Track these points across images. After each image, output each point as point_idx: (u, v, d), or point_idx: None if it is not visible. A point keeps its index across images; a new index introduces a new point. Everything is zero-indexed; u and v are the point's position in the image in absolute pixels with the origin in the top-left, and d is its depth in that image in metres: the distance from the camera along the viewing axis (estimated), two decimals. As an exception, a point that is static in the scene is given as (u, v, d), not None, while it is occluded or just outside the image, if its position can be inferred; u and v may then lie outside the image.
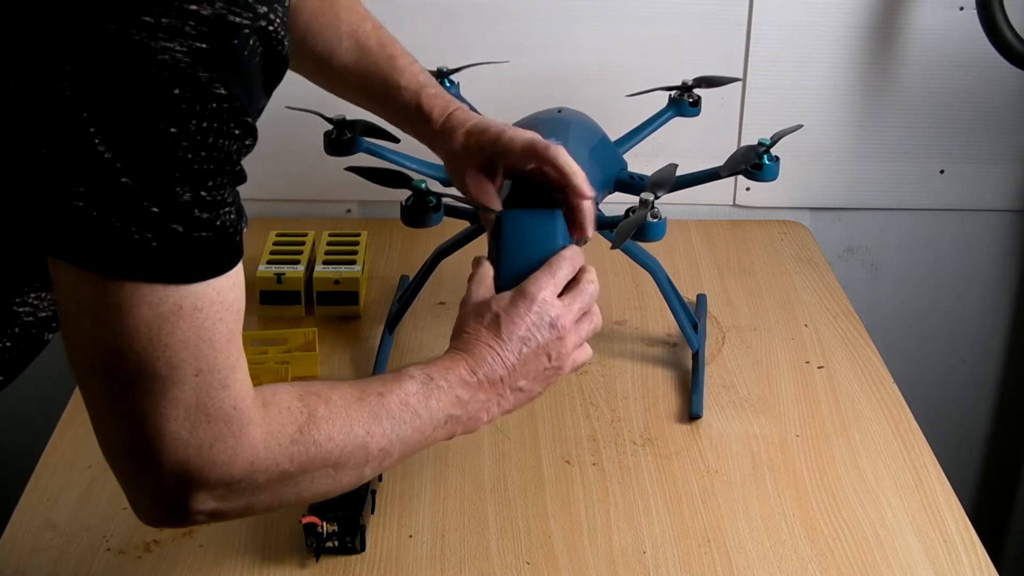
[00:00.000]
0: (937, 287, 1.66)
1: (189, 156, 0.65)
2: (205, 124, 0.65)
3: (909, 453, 1.13)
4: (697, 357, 1.23)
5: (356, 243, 1.39)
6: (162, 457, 0.70)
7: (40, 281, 0.78)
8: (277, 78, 0.71)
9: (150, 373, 0.68)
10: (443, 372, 0.88)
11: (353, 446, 0.79)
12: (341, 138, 1.23)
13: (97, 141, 0.63)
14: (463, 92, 1.33)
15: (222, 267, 0.69)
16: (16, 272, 0.77)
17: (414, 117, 1.10)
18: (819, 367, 1.25)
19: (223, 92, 0.65)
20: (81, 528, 1.03)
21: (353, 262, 1.35)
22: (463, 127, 1.06)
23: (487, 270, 0.98)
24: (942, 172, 1.58)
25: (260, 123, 0.71)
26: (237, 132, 0.67)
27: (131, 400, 0.69)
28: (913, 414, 1.18)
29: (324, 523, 0.97)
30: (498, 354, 0.90)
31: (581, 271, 0.97)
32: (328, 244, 1.39)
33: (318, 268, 1.34)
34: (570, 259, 0.97)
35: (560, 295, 0.94)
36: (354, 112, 1.26)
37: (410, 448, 0.85)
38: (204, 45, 0.63)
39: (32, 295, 0.78)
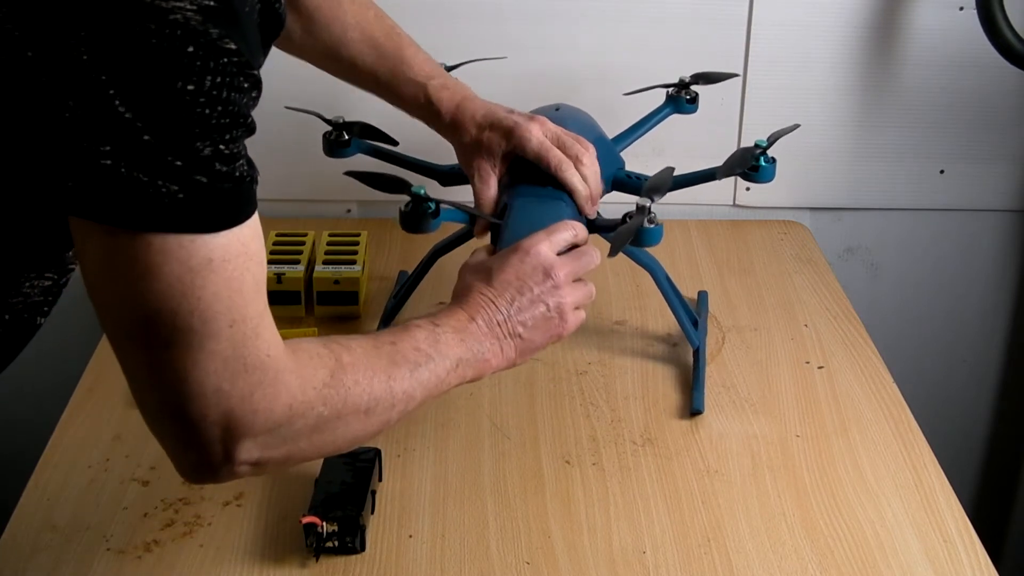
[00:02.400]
0: (937, 287, 1.66)
1: (207, 112, 0.66)
2: (219, 79, 0.66)
3: (909, 453, 1.13)
4: (698, 354, 1.23)
5: (356, 243, 1.39)
6: (206, 410, 0.72)
7: (36, 270, 0.79)
8: (273, 35, 0.73)
9: (185, 328, 0.69)
10: (445, 319, 0.91)
11: (379, 390, 0.82)
12: (340, 139, 1.23)
13: (117, 103, 0.64)
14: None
15: (244, 215, 0.70)
16: (12, 265, 0.77)
17: (423, 109, 1.14)
18: (819, 367, 1.25)
19: (232, 47, 0.66)
20: (81, 528, 1.03)
21: (353, 262, 1.35)
22: (472, 120, 1.11)
23: (488, 243, 1.04)
24: (942, 172, 1.58)
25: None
26: (246, 86, 0.68)
27: (169, 357, 0.70)
28: (913, 414, 1.18)
29: (324, 523, 0.97)
30: (491, 300, 0.94)
31: (584, 244, 1.01)
32: (328, 244, 1.39)
33: (318, 268, 1.34)
34: (571, 226, 1.01)
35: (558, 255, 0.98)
36: (353, 113, 1.26)
37: (429, 391, 0.87)
38: (211, 3, 0.65)
39: (27, 284, 0.79)
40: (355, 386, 0.80)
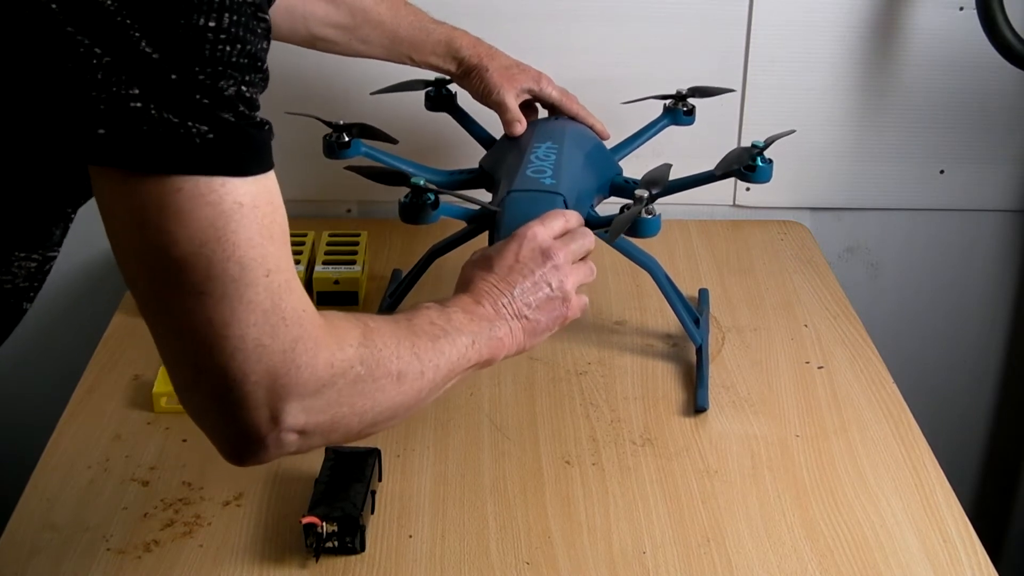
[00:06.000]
0: (937, 287, 1.66)
1: (227, 48, 0.67)
2: (236, 17, 0.67)
3: (909, 453, 1.13)
4: (701, 351, 1.23)
5: (356, 243, 1.40)
6: (247, 367, 0.71)
7: (26, 249, 0.79)
8: None
9: (221, 276, 0.69)
10: (453, 302, 0.92)
11: (407, 355, 0.82)
12: (340, 141, 1.24)
13: (143, 44, 0.65)
14: (460, 99, 1.33)
15: (268, 163, 0.71)
16: (4, 242, 0.77)
17: (448, 48, 1.25)
18: (819, 367, 1.25)
19: None
20: (81, 528, 1.03)
21: (353, 262, 1.35)
22: (500, 60, 1.25)
23: (486, 243, 1.06)
24: (942, 172, 1.58)
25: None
26: (259, 30, 0.69)
27: (207, 310, 0.69)
28: (913, 414, 1.18)
29: (324, 523, 0.97)
30: (494, 285, 0.94)
31: (581, 229, 1.02)
32: (328, 244, 1.39)
33: (318, 268, 1.34)
34: (563, 213, 1.03)
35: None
36: (351, 116, 1.26)
37: (452, 366, 0.86)
38: None
39: (15, 264, 0.79)
40: (385, 348, 0.80)
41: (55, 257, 0.81)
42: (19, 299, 0.81)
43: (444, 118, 1.35)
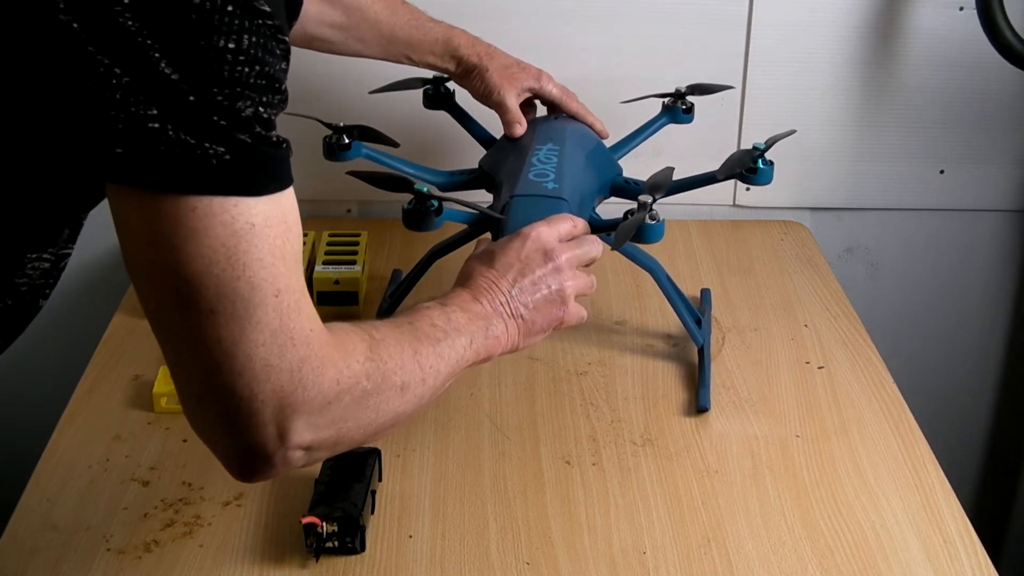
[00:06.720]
0: (937, 287, 1.66)
1: (246, 70, 0.68)
2: (255, 39, 0.68)
3: (909, 453, 1.13)
4: (703, 352, 1.23)
5: (356, 243, 1.40)
6: (255, 386, 0.71)
7: (37, 249, 0.79)
8: (293, 15, 0.77)
9: (231, 296, 0.69)
10: (452, 300, 0.93)
11: (410, 364, 0.83)
12: (340, 143, 1.24)
13: (163, 65, 0.66)
14: (459, 98, 1.33)
15: (283, 182, 0.72)
16: (17, 243, 0.78)
17: (446, 47, 1.25)
18: (819, 367, 1.25)
19: (266, 9, 0.68)
20: (81, 528, 1.03)
21: (353, 262, 1.35)
22: (499, 58, 1.25)
23: (489, 237, 1.06)
24: (942, 172, 1.58)
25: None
26: (278, 51, 0.70)
27: (217, 329, 0.70)
28: (913, 414, 1.18)
29: (324, 523, 0.97)
30: (493, 282, 0.95)
31: (588, 237, 1.02)
32: (328, 244, 1.39)
33: (318, 268, 1.34)
34: (572, 219, 1.03)
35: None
36: (350, 116, 1.26)
37: (451, 368, 0.87)
38: None
39: (29, 266, 0.79)
40: (390, 360, 0.80)
41: (69, 254, 0.82)
42: (35, 296, 0.82)
43: (443, 118, 1.35)
